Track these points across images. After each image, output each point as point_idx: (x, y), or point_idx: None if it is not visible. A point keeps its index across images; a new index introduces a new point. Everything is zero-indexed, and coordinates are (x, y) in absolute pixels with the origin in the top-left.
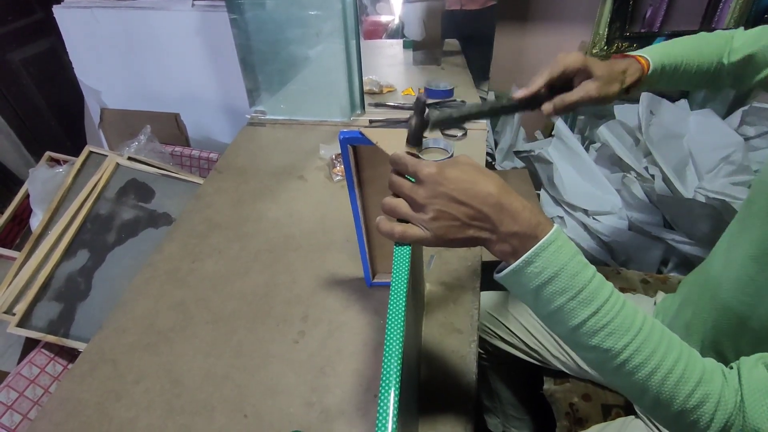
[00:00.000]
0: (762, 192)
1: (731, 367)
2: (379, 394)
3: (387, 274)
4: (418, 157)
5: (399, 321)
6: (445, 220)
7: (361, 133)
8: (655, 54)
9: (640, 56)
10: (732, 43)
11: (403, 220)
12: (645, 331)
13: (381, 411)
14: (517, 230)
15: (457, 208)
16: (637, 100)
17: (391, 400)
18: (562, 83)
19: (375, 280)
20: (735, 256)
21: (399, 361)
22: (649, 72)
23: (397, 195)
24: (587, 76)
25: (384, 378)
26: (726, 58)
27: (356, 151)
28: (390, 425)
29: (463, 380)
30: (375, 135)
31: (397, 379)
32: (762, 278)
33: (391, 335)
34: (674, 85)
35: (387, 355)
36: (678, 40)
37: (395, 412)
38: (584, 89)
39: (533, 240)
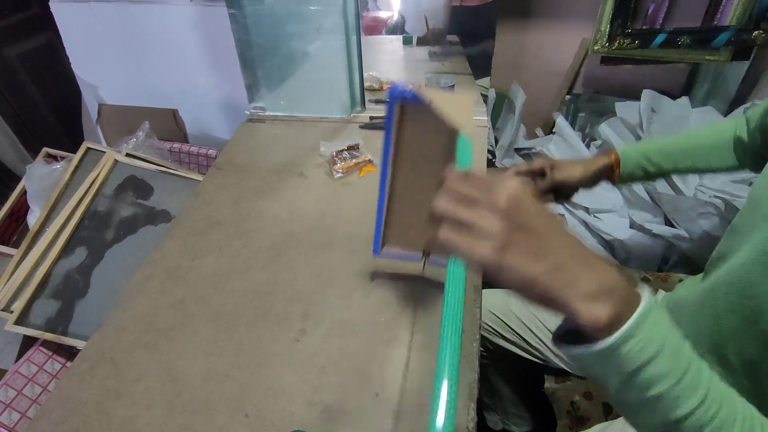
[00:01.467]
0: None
1: None
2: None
3: (396, 247)
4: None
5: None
6: (524, 241)
7: (414, 93)
8: (631, 149)
9: (614, 150)
10: (746, 116)
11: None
12: (747, 420)
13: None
14: (613, 285)
15: (532, 237)
16: (638, 98)
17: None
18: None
19: (383, 250)
20: (735, 261)
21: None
22: (621, 163)
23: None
24: (552, 167)
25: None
26: (742, 127)
27: (402, 111)
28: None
29: (465, 379)
30: (432, 95)
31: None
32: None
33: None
34: (670, 171)
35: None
36: (680, 138)
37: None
38: (548, 177)
39: (631, 306)
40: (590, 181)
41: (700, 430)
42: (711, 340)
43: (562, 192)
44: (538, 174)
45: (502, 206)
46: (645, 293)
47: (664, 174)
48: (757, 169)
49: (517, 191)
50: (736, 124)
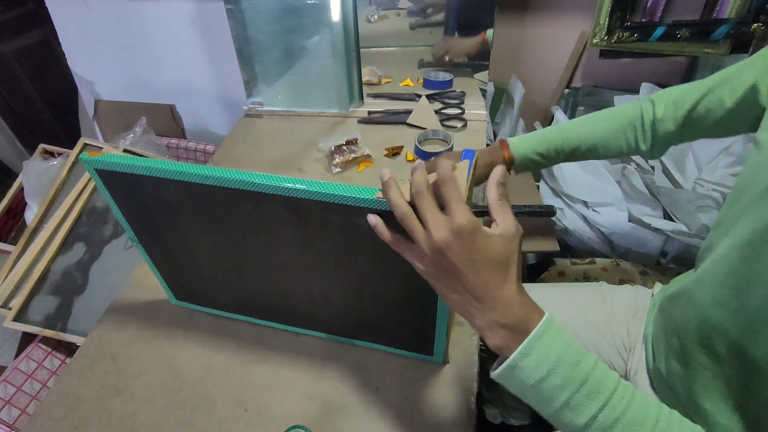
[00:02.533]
0: (753, 182)
1: None
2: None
3: None
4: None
5: None
6: (440, 270)
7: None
8: (521, 144)
9: (504, 145)
10: (653, 100)
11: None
12: (662, 422)
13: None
14: (506, 323)
15: (456, 275)
16: (637, 91)
17: None
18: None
19: None
20: (717, 253)
21: None
22: (512, 159)
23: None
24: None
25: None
26: (648, 113)
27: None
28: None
29: (465, 373)
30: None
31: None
32: (750, 268)
33: None
34: (566, 159)
35: None
36: (572, 122)
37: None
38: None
39: (522, 335)
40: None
41: (608, 429)
42: (699, 331)
43: None
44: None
45: (436, 246)
46: (542, 321)
47: (558, 162)
48: (656, 153)
49: (469, 220)
50: (642, 108)
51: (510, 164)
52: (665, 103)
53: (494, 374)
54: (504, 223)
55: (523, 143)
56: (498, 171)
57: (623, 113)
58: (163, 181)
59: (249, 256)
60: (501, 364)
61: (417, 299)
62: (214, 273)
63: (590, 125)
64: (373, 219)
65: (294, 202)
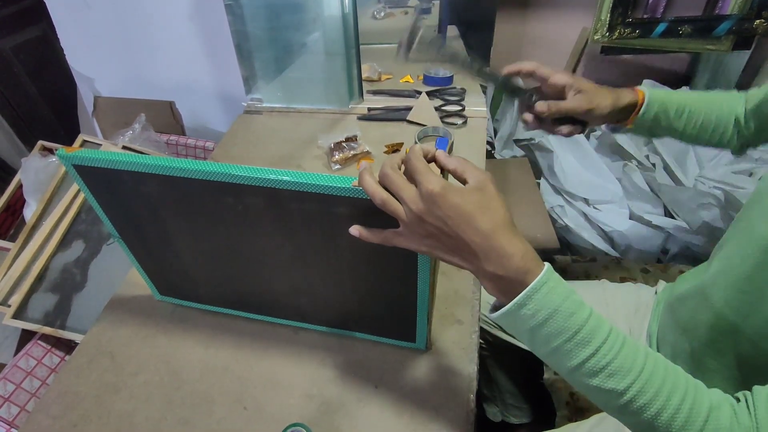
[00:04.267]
0: None
1: (738, 399)
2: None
3: None
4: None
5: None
6: (432, 240)
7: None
8: (657, 93)
9: (638, 89)
10: (745, 97)
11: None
12: (648, 370)
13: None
14: (503, 274)
15: (445, 238)
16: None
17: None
18: (555, 96)
19: None
20: (735, 255)
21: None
22: (646, 102)
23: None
24: (577, 91)
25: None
26: (741, 108)
27: None
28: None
29: (464, 371)
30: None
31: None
32: (762, 276)
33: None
34: (679, 130)
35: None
36: (684, 91)
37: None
38: (576, 100)
39: (520, 286)
40: (615, 117)
41: (594, 376)
42: (708, 334)
43: (577, 120)
44: (552, 93)
45: (417, 218)
46: (543, 271)
47: (670, 134)
48: (738, 151)
49: (435, 185)
50: (739, 102)
51: (638, 109)
52: (755, 101)
53: (491, 316)
54: (472, 176)
55: (659, 92)
56: (439, 151)
57: (728, 102)
58: (141, 176)
59: (231, 248)
60: (498, 307)
61: (397, 287)
62: (197, 267)
63: (716, 102)
64: (356, 231)
65: (273, 193)
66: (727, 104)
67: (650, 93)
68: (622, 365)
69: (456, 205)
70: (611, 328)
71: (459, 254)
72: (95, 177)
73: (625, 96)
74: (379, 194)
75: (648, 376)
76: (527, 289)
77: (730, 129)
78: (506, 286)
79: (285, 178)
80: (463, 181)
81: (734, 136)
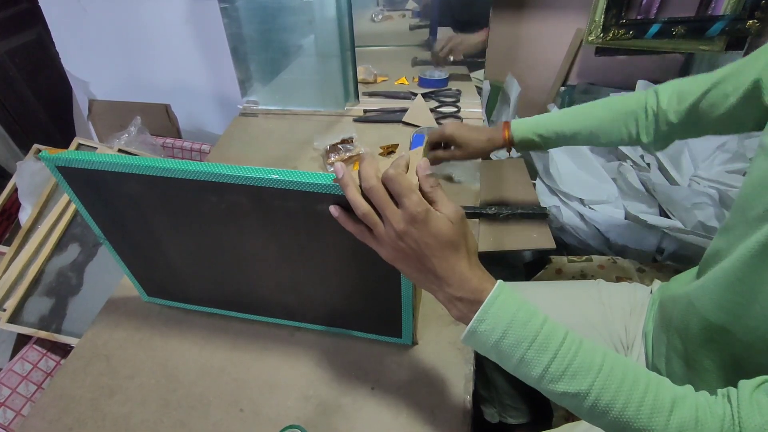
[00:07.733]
0: (761, 189)
1: (717, 394)
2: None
3: None
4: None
5: None
6: (402, 255)
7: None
8: (522, 126)
9: (506, 126)
10: (664, 91)
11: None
12: (607, 367)
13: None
14: (461, 296)
15: (415, 258)
16: (632, 88)
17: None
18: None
19: None
20: (726, 261)
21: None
22: (516, 140)
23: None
24: (458, 143)
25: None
26: (652, 104)
27: None
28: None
29: (461, 371)
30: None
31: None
32: (758, 276)
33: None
34: (569, 143)
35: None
36: (576, 108)
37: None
38: (450, 153)
39: (477, 305)
40: (488, 154)
41: (559, 381)
42: (701, 334)
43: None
44: (438, 145)
45: (395, 236)
46: (493, 289)
47: (558, 145)
48: (657, 146)
49: (420, 208)
50: (646, 98)
51: (510, 144)
52: (669, 94)
53: (461, 339)
54: (447, 209)
55: (524, 125)
56: (421, 165)
57: (627, 101)
58: (125, 176)
59: (217, 248)
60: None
61: (381, 284)
62: (183, 267)
63: (593, 111)
64: (335, 210)
65: (256, 191)
66: (625, 104)
67: (514, 128)
68: (582, 364)
69: (437, 233)
70: (567, 331)
71: (424, 274)
72: (79, 179)
73: (496, 138)
74: (363, 206)
75: (608, 371)
76: (483, 305)
77: (632, 126)
78: (466, 307)
79: (265, 175)
80: (430, 202)
81: (643, 133)
